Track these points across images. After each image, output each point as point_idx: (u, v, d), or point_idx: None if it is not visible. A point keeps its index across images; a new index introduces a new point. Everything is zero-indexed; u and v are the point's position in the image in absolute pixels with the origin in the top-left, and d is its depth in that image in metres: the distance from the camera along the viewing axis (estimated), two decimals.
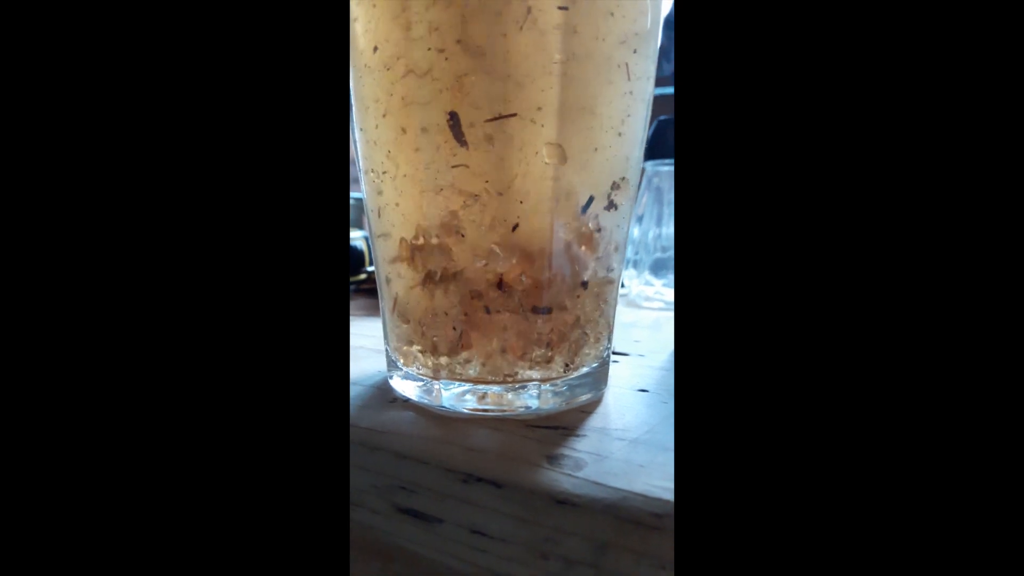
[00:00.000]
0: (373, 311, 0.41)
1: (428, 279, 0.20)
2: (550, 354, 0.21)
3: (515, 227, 0.19)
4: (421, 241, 0.20)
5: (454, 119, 0.18)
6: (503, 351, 0.20)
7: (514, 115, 0.18)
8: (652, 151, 0.45)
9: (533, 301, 0.20)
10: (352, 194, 0.57)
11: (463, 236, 0.19)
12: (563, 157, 0.18)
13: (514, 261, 0.19)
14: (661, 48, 0.22)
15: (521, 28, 0.17)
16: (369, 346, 0.31)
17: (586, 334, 0.21)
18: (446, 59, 0.18)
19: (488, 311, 0.20)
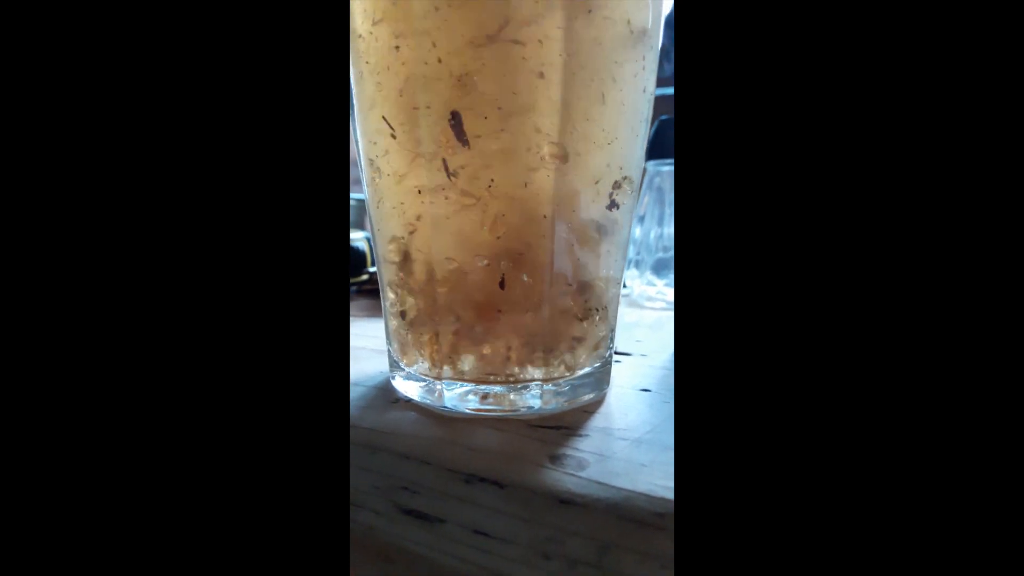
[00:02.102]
0: (375, 312, 0.41)
1: (429, 279, 0.20)
2: (551, 355, 0.20)
3: (516, 227, 0.19)
4: (422, 241, 0.20)
5: (456, 119, 0.18)
6: (504, 351, 0.20)
7: (514, 114, 0.18)
8: (653, 151, 0.45)
9: (534, 301, 0.20)
10: (353, 195, 0.57)
11: (464, 236, 0.19)
12: (565, 156, 0.18)
13: (515, 261, 0.19)
14: (662, 48, 0.21)
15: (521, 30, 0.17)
16: (371, 347, 0.31)
17: (587, 334, 0.21)
18: (449, 58, 0.18)
19: (489, 311, 0.20)
